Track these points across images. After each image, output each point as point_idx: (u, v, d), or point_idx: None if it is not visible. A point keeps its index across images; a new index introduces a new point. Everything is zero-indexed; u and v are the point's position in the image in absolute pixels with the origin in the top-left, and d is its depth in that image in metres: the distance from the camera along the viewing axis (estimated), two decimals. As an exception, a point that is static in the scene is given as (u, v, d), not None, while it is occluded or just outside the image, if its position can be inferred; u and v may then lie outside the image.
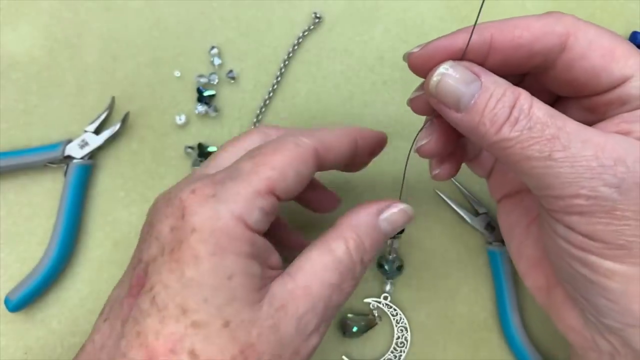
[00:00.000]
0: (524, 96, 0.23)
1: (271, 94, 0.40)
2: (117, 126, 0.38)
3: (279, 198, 0.25)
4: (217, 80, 0.39)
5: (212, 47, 0.40)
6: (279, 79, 0.40)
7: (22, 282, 0.36)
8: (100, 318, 0.25)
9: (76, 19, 0.40)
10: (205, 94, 0.39)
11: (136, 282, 0.24)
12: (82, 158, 0.38)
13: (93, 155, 0.38)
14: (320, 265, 0.25)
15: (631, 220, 0.22)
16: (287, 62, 0.40)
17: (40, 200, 0.38)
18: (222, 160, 0.27)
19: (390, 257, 0.37)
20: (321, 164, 0.27)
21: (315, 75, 0.40)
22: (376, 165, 0.39)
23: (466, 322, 0.37)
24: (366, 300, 0.37)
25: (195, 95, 0.39)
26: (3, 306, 0.36)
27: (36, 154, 0.38)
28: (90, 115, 0.39)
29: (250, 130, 0.29)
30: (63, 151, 0.38)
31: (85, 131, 0.38)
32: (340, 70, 0.40)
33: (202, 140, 0.39)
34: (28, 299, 0.36)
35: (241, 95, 0.40)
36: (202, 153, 0.38)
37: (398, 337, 0.37)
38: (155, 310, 0.22)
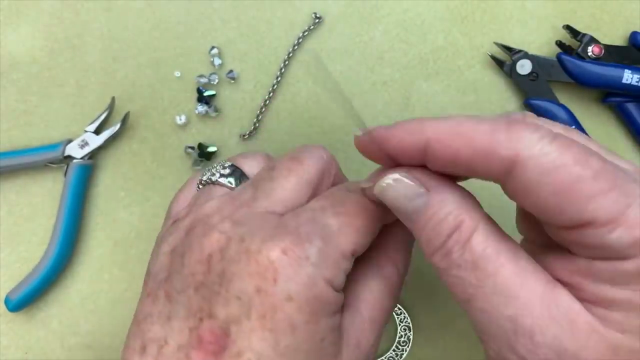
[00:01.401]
0: (466, 225, 0.21)
1: (271, 94, 0.40)
2: (117, 126, 0.38)
3: (355, 255, 0.24)
4: (217, 81, 0.40)
5: (212, 47, 0.40)
6: (279, 79, 0.40)
7: (22, 282, 0.36)
8: (135, 352, 0.24)
9: (76, 19, 0.40)
10: (206, 94, 0.39)
11: (212, 339, 0.22)
12: (82, 158, 0.38)
13: (93, 155, 0.38)
14: (379, 295, 0.25)
15: None
16: (287, 62, 0.40)
17: (41, 200, 0.38)
18: (286, 194, 0.25)
19: None
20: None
21: (316, 76, 0.40)
22: (375, 165, 0.39)
23: (466, 322, 0.37)
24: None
25: (195, 95, 0.40)
26: (3, 306, 0.36)
27: (36, 154, 0.38)
28: (91, 115, 0.39)
29: (307, 154, 0.27)
30: (63, 151, 0.38)
31: (86, 131, 0.38)
32: (340, 70, 0.40)
33: (202, 140, 0.39)
34: (28, 299, 0.36)
35: (241, 95, 0.40)
36: (203, 153, 0.39)
37: (401, 336, 0.37)
38: None
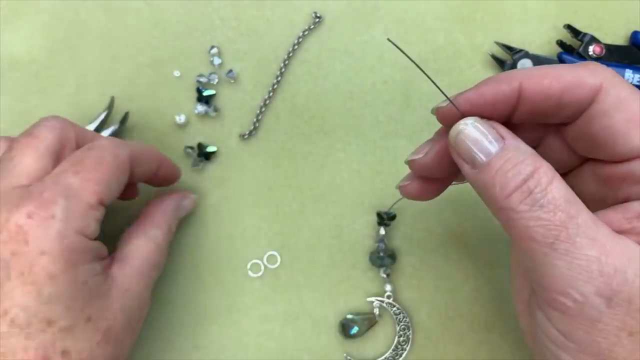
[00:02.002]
0: (544, 169, 0.22)
1: (271, 94, 0.40)
2: (117, 126, 0.38)
3: (106, 205, 0.29)
4: (217, 80, 0.39)
5: (212, 47, 0.40)
6: (279, 79, 0.40)
7: (21, 282, 0.36)
8: None
9: (76, 19, 0.40)
10: (205, 94, 0.39)
11: None
12: (81, 158, 0.38)
13: (93, 155, 0.38)
14: (146, 251, 0.31)
15: (612, 335, 0.21)
16: (287, 62, 0.40)
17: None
18: (27, 167, 0.28)
19: (380, 245, 0.37)
20: (135, 170, 0.31)
21: (315, 75, 0.40)
22: (376, 164, 0.39)
23: (466, 322, 0.37)
24: (369, 299, 0.37)
25: (195, 95, 0.39)
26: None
27: (36, 154, 0.38)
28: (90, 115, 0.39)
29: (40, 127, 0.30)
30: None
31: (85, 131, 0.38)
32: (340, 70, 0.40)
33: (201, 140, 0.39)
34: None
35: (241, 95, 0.40)
36: (202, 153, 0.38)
37: (400, 336, 0.37)
38: (17, 330, 0.24)
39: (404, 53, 0.25)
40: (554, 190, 0.21)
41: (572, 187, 0.23)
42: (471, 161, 0.24)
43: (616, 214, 0.23)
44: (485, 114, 0.25)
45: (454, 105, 0.25)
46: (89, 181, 0.27)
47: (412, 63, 0.26)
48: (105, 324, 0.27)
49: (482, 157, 0.23)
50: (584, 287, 0.21)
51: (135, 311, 0.30)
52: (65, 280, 0.25)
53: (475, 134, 0.24)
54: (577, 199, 0.22)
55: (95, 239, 0.28)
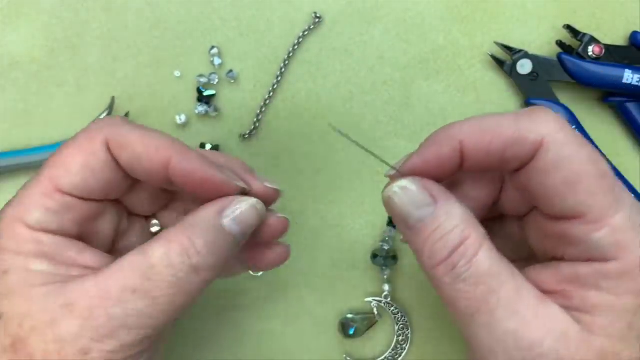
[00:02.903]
0: (471, 240, 0.22)
1: (271, 94, 0.40)
2: (117, 126, 0.38)
3: (72, 195, 0.24)
4: (217, 80, 0.39)
5: (212, 47, 0.40)
6: (279, 79, 0.40)
7: (22, 282, 0.36)
8: None
9: (76, 19, 0.40)
10: (206, 94, 0.39)
11: None
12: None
13: (93, 155, 0.38)
14: (128, 268, 0.23)
15: None
16: (287, 62, 0.40)
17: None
18: None
19: (383, 245, 0.37)
20: (119, 158, 0.24)
21: (315, 75, 0.40)
22: (376, 164, 0.39)
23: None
24: (367, 299, 0.37)
25: (195, 95, 0.39)
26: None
27: (36, 154, 0.38)
28: (91, 115, 0.39)
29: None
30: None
31: (85, 131, 0.38)
32: (340, 70, 0.40)
33: (202, 140, 0.39)
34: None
35: (241, 95, 0.40)
36: (202, 153, 0.39)
37: (399, 335, 0.37)
38: None
39: (346, 136, 0.26)
40: (479, 262, 0.22)
41: (526, 231, 0.25)
42: (403, 224, 0.24)
43: (547, 274, 0.23)
44: (432, 175, 0.24)
45: (399, 173, 0.25)
46: (48, 167, 0.24)
47: (356, 144, 0.27)
48: (16, 330, 0.22)
49: (412, 222, 0.23)
50: (501, 359, 0.22)
51: (77, 339, 0.22)
52: None
53: (407, 198, 0.24)
54: (503, 267, 0.22)
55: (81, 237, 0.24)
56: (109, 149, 0.24)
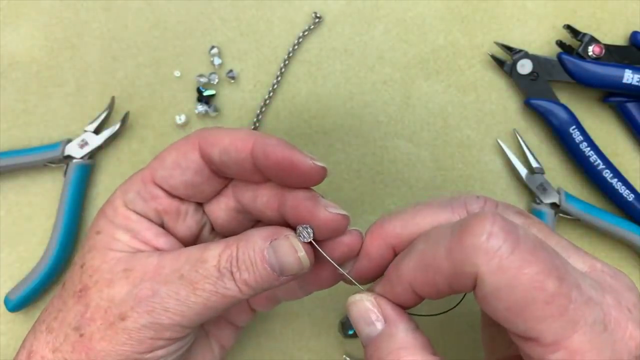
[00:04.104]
0: None
1: (271, 94, 0.40)
2: (117, 126, 0.38)
3: (162, 188, 0.27)
4: (217, 80, 0.39)
5: (212, 47, 0.40)
6: (279, 79, 0.40)
7: (21, 282, 0.36)
8: None
9: (76, 19, 0.40)
10: (205, 93, 0.39)
11: None
12: (81, 158, 0.38)
13: (93, 155, 0.38)
14: (185, 256, 0.25)
15: None
16: (287, 62, 0.40)
17: (40, 200, 0.38)
18: None
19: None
20: (208, 159, 0.26)
21: (315, 75, 0.40)
22: (376, 164, 0.39)
23: (466, 322, 0.37)
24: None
25: (195, 95, 0.39)
26: (3, 306, 0.36)
27: (36, 154, 0.38)
28: (90, 115, 0.39)
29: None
30: (63, 151, 0.37)
31: (85, 131, 0.38)
32: (340, 70, 0.40)
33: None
34: (28, 299, 0.36)
35: (241, 95, 0.40)
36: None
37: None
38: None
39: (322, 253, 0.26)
40: None
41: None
42: (358, 332, 0.25)
43: None
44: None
45: (358, 285, 0.27)
46: (155, 158, 0.27)
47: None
48: (86, 280, 0.26)
49: (362, 334, 0.25)
50: None
51: (124, 301, 0.25)
52: (92, 224, 0.27)
53: (359, 313, 0.25)
54: None
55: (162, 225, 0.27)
56: (200, 151, 0.26)
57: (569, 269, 0.21)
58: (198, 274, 0.25)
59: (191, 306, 0.25)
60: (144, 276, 0.25)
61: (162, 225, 0.28)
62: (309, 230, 0.25)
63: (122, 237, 0.26)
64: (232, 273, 0.25)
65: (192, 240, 0.29)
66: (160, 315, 0.24)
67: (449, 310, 0.27)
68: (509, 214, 0.25)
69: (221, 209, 0.29)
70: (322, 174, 0.25)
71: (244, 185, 0.28)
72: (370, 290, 0.26)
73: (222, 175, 0.27)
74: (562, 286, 0.20)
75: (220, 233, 0.30)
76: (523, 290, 0.20)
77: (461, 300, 0.26)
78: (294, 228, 0.26)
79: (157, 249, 0.27)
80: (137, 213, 0.27)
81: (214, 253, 0.25)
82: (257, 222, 0.30)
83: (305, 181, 0.26)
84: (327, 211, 0.25)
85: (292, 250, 0.25)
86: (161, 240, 0.27)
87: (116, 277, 0.25)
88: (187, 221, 0.28)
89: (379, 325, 0.24)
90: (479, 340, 0.37)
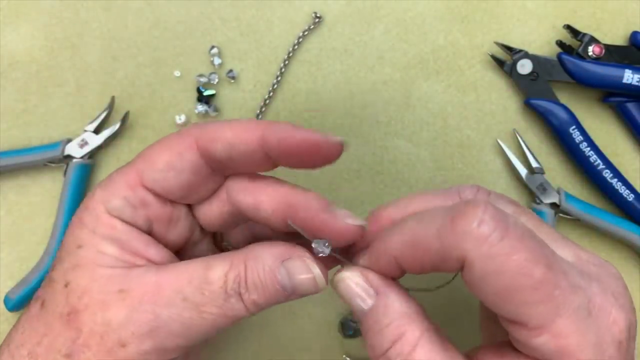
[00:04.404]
0: (408, 337, 0.22)
1: (271, 94, 0.40)
2: (117, 126, 0.38)
3: (153, 192, 0.25)
4: (217, 80, 0.39)
5: (212, 47, 0.40)
6: (279, 79, 0.40)
7: (21, 282, 0.36)
8: None
9: (76, 19, 0.40)
10: (205, 93, 0.39)
11: None
12: (81, 157, 0.38)
13: (93, 154, 0.38)
14: (187, 275, 0.23)
15: None
16: (287, 62, 0.40)
17: (40, 200, 0.38)
18: None
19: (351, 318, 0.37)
20: (210, 156, 0.25)
21: (315, 75, 0.40)
22: (376, 164, 0.39)
23: (467, 322, 0.37)
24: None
25: (195, 95, 0.39)
26: (2, 305, 0.36)
27: (36, 154, 0.38)
28: (90, 115, 0.39)
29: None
30: (63, 150, 0.37)
31: (85, 130, 0.38)
32: (340, 70, 0.40)
33: (202, 140, 0.39)
34: (28, 299, 0.36)
35: (241, 95, 0.40)
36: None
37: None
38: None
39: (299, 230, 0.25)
40: (416, 357, 0.22)
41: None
42: (351, 308, 0.24)
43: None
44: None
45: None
46: (138, 158, 0.25)
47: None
48: (75, 302, 0.23)
49: (355, 309, 0.24)
50: None
51: (121, 328, 0.23)
52: (69, 236, 0.25)
53: (349, 289, 0.24)
54: None
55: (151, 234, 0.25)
56: (198, 149, 0.25)
57: (556, 257, 0.22)
58: (204, 297, 0.23)
59: (196, 329, 0.23)
60: (142, 298, 0.23)
61: (150, 232, 0.26)
62: (327, 244, 0.24)
63: (109, 250, 0.24)
64: (240, 294, 0.23)
65: (182, 245, 0.27)
66: (163, 340, 0.23)
67: (443, 285, 0.26)
68: (500, 203, 0.25)
69: (213, 212, 0.27)
70: (340, 149, 0.25)
71: (242, 189, 0.26)
72: (353, 265, 0.25)
73: (221, 173, 0.26)
74: (549, 273, 0.20)
75: (211, 231, 0.28)
76: (511, 276, 0.20)
77: (455, 276, 0.25)
78: (301, 239, 0.25)
79: (149, 261, 0.25)
80: (124, 221, 0.24)
81: (220, 273, 0.23)
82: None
83: (324, 160, 0.25)
84: (345, 223, 0.24)
85: (306, 270, 0.24)
86: (152, 250, 0.25)
87: (111, 298, 0.23)
88: (179, 226, 0.27)
89: (372, 298, 0.24)
90: (478, 340, 0.37)
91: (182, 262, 0.24)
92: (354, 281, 0.24)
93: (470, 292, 0.22)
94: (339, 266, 0.26)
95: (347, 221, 0.24)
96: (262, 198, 0.25)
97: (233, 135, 0.24)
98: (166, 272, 0.24)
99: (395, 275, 0.25)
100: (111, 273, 0.23)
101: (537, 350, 0.21)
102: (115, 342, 0.22)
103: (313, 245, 0.24)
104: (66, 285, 0.23)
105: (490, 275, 0.20)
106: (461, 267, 0.21)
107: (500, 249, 0.20)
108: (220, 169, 0.25)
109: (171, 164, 0.25)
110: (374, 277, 0.24)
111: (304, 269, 0.24)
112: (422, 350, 0.22)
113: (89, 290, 0.23)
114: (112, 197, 0.24)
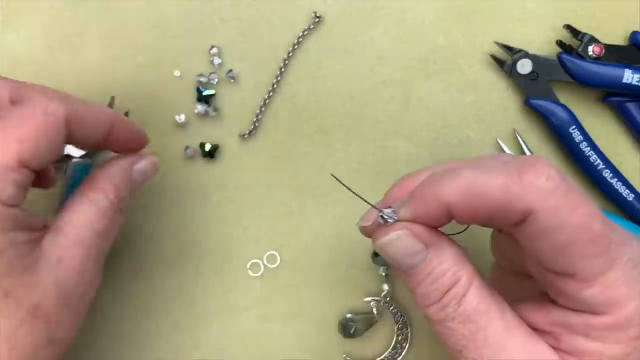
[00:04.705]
0: (463, 281, 0.23)
1: (271, 94, 0.40)
2: (117, 126, 0.38)
3: (32, 169, 0.25)
4: (217, 80, 0.39)
5: (212, 47, 0.40)
6: (279, 79, 0.40)
7: (21, 282, 0.36)
8: None
9: (76, 19, 0.40)
10: (205, 93, 0.39)
11: None
12: (81, 157, 0.38)
13: (93, 154, 0.38)
14: (87, 217, 0.27)
15: None
16: (287, 62, 0.40)
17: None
18: None
19: None
20: (72, 135, 0.27)
21: (315, 75, 0.40)
22: (376, 164, 0.39)
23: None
24: (366, 299, 0.37)
25: (195, 95, 0.39)
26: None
27: (36, 154, 0.37)
28: (90, 115, 0.39)
29: None
30: (63, 150, 0.37)
31: (85, 131, 0.38)
32: (340, 70, 0.40)
33: (202, 140, 0.39)
34: (28, 299, 0.36)
35: (241, 95, 0.40)
36: (204, 153, 0.39)
37: (399, 335, 0.37)
38: None
39: (346, 187, 0.27)
40: (467, 302, 0.23)
41: (528, 264, 0.25)
42: (398, 267, 0.25)
43: (540, 315, 0.24)
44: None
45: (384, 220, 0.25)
46: (6, 140, 0.24)
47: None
48: (29, 301, 0.24)
49: (406, 269, 0.24)
50: None
51: (72, 287, 0.26)
52: None
53: (400, 246, 0.24)
54: (493, 305, 0.23)
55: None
56: (67, 127, 0.26)
57: (605, 215, 0.23)
58: (110, 224, 0.29)
59: (108, 248, 0.29)
60: (78, 255, 0.26)
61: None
62: (390, 213, 0.25)
63: (23, 238, 0.25)
64: (121, 208, 0.30)
65: None
66: (102, 260, 0.28)
67: (460, 232, 0.27)
68: None
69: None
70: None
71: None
72: (392, 216, 0.25)
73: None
74: (607, 228, 0.22)
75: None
76: (573, 229, 0.21)
77: (467, 227, 0.27)
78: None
79: (39, 229, 0.26)
80: (13, 205, 0.25)
81: (106, 201, 0.29)
82: None
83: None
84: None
85: (153, 165, 0.33)
86: (35, 218, 0.27)
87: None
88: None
89: (422, 253, 0.24)
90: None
91: (67, 212, 0.28)
92: (408, 240, 0.24)
93: (525, 246, 0.23)
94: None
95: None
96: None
97: (94, 122, 0.29)
98: (70, 227, 0.27)
99: (440, 224, 0.24)
100: (36, 257, 0.25)
101: (585, 303, 0.22)
102: None
103: (382, 213, 0.25)
104: (7, 295, 0.24)
105: (554, 229, 0.21)
106: (522, 220, 0.22)
107: (565, 203, 0.21)
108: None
109: (53, 143, 0.26)
110: (421, 231, 0.24)
111: (147, 162, 0.32)
112: (474, 292, 0.23)
113: (36, 283, 0.25)
114: (3, 188, 0.24)
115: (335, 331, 0.37)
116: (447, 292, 0.23)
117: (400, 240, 0.24)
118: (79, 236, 0.27)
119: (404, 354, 0.37)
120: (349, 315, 0.37)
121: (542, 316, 0.24)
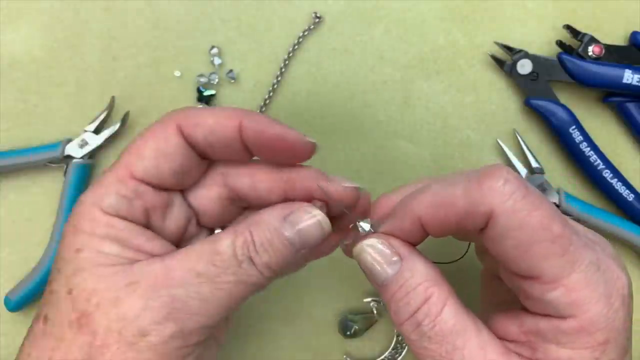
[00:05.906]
0: (434, 298, 0.23)
1: (271, 94, 0.40)
2: (117, 126, 0.38)
3: (144, 180, 0.25)
4: (217, 80, 0.39)
5: (212, 47, 0.40)
6: (279, 79, 0.40)
7: (21, 282, 0.36)
8: None
9: (76, 19, 0.40)
10: (205, 93, 0.39)
11: None
12: (82, 157, 0.38)
13: (93, 154, 0.38)
14: (194, 254, 0.24)
15: None
16: (287, 62, 0.40)
17: (40, 200, 0.38)
18: None
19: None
20: (193, 141, 0.25)
21: (315, 75, 0.40)
22: (376, 164, 0.39)
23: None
24: (366, 299, 0.37)
25: (195, 95, 0.39)
26: (3, 306, 0.36)
27: (36, 154, 0.38)
28: (90, 115, 0.39)
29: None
30: (63, 151, 0.37)
31: (85, 131, 0.38)
32: (340, 70, 0.40)
33: (202, 140, 0.39)
34: (28, 299, 0.36)
35: (241, 95, 0.40)
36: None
37: (399, 335, 0.37)
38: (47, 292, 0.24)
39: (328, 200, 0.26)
40: (442, 321, 0.23)
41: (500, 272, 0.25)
42: (373, 279, 0.25)
43: (513, 325, 0.24)
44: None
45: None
46: (125, 153, 0.25)
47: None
48: (83, 306, 0.23)
49: (380, 279, 0.25)
50: None
51: (138, 318, 0.23)
52: (65, 242, 0.24)
53: (373, 257, 0.25)
54: (468, 323, 0.23)
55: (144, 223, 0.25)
56: (182, 134, 0.25)
57: (567, 219, 0.24)
58: (216, 268, 0.23)
59: (215, 302, 0.23)
60: (155, 284, 0.22)
61: (147, 226, 0.25)
62: (367, 222, 0.26)
63: (110, 249, 0.23)
64: (251, 258, 0.24)
65: (180, 238, 0.27)
66: (185, 321, 0.22)
67: (458, 259, 0.28)
68: None
69: (210, 199, 0.27)
70: (312, 149, 0.26)
71: (237, 171, 0.27)
72: (373, 234, 0.26)
73: (206, 157, 0.26)
74: (565, 229, 0.22)
75: (207, 225, 0.28)
76: (531, 230, 0.22)
77: (466, 252, 0.27)
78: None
79: (151, 255, 0.24)
80: (122, 218, 0.24)
81: (227, 242, 0.24)
82: (244, 209, 0.29)
83: (296, 158, 0.26)
84: (343, 187, 0.26)
85: (309, 215, 0.25)
86: (152, 244, 0.25)
87: (121, 293, 0.22)
88: (175, 215, 0.26)
89: (396, 264, 0.24)
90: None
91: (185, 248, 0.24)
92: (380, 248, 0.25)
93: (489, 249, 0.23)
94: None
95: (344, 185, 0.26)
96: (258, 177, 0.26)
97: (214, 120, 0.25)
98: (172, 257, 0.24)
99: (417, 240, 0.25)
100: (116, 270, 0.23)
101: (550, 305, 0.22)
102: (135, 333, 0.22)
103: (358, 223, 0.26)
104: (70, 292, 0.23)
105: (513, 229, 0.22)
106: (485, 223, 0.23)
107: (523, 204, 0.22)
108: (203, 154, 0.26)
109: (159, 150, 0.25)
110: (397, 243, 0.25)
111: (306, 215, 0.25)
112: (449, 311, 0.23)
113: (96, 290, 0.23)
114: (104, 195, 0.24)
115: (335, 331, 0.37)
116: (419, 307, 0.23)
117: (374, 247, 0.25)
118: (170, 268, 0.23)
119: (403, 353, 0.37)
120: (349, 315, 0.37)
121: (517, 325, 0.24)
